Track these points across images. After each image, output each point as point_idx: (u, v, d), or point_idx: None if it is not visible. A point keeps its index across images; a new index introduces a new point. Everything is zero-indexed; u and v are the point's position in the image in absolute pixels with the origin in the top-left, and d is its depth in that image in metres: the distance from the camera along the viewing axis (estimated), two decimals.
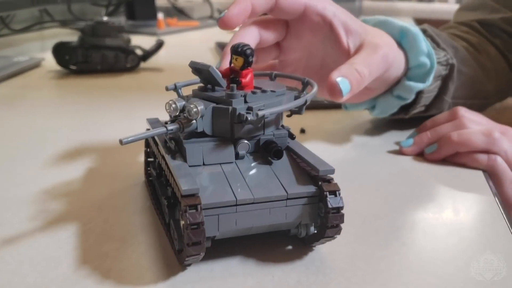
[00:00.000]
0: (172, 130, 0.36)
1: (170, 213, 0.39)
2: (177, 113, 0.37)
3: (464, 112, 0.58)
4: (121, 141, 0.33)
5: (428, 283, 0.35)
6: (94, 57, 0.94)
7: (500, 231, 0.43)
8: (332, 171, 0.36)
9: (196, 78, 0.44)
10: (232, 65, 0.40)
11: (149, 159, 0.50)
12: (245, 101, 0.37)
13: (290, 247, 0.39)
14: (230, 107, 0.37)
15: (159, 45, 0.99)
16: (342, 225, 0.36)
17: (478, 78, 0.73)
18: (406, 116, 0.65)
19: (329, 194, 0.35)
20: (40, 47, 1.31)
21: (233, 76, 0.40)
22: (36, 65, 1.00)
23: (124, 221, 0.43)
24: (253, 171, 0.37)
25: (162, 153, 0.40)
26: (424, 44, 0.57)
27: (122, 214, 0.44)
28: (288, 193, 0.35)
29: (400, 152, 0.59)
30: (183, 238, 0.35)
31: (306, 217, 0.36)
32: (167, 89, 0.42)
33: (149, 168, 0.50)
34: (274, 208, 0.35)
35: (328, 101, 0.75)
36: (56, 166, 0.53)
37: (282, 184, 0.36)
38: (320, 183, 0.36)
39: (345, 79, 0.46)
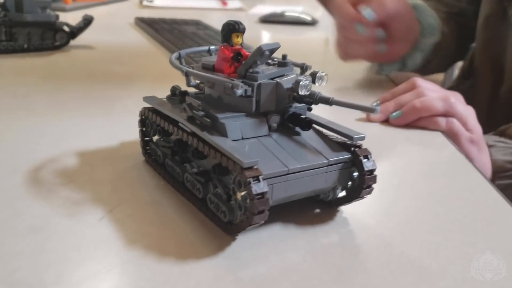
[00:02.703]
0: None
1: (204, 189, 0.40)
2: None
3: (421, 82, 0.66)
4: None
5: (446, 216, 0.41)
6: (20, 35, 0.88)
7: (469, 176, 0.50)
8: (363, 137, 0.40)
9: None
10: (233, 45, 0.41)
11: (145, 138, 0.50)
12: None
13: (318, 210, 0.43)
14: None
15: (89, 21, 0.95)
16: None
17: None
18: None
19: (363, 158, 0.39)
20: None
21: (236, 52, 0.42)
22: None
23: (147, 200, 0.43)
24: (289, 142, 0.39)
25: (192, 130, 0.40)
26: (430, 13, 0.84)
27: (141, 194, 0.44)
28: (329, 160, 0.38)
29: (367, 119, 0.64)
30: (234, 210, 0.37)
31: (340, 181, 0.40)
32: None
33: (148, 147, 0.50)
34: (317, 175, 0.38)
35: None
36: (35, 156, 0.51)
37: (320, 152, 0.39)
38: (353, 148, 0.39)
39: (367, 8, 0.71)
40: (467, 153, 0.61)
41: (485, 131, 0.67)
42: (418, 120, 0.63)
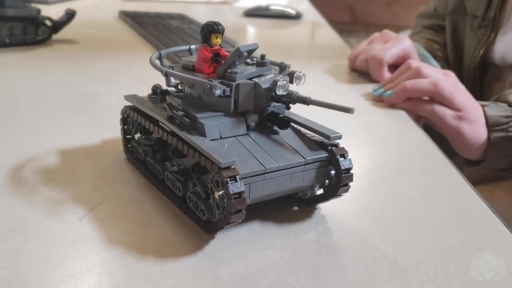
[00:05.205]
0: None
1: (183, 188, 0.41)
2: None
3: (416, 63, 0.72)
4: None
5: (421, 213, 0.42)
6: (1, 29, 0.87)
7: (445, 172, 0.51)
8: (340, 136, 0.40)
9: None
10: (212, 45, 0.42)
11: (127, 136, 0.50)
12: None
13: (296, 208, 0.43)
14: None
15: (71, 15, 0.94)
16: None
17: None
18: None
19: (340, 157, 0.40)
20: None
21: (215, 53, 0.42)
22: None
23: (128, 198, 0.43)
24: (267, 141, 0.40)
25: (171, 129, 0.41)
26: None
27: (122, 193, 0.44)
28: (306, 159, 0.39)
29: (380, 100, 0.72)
30: (213, 209, 0.38)
31: (317, 179, 0.41)
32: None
33: (129, 145, 0.50)
34: (294, 174, 0.39)
35: None
36: (17, 154, 0.51)
37: (297, 151, 0.40)
38: (330, 148, 0.40)
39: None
40: (457, 130, 0.64)
41: None
42: (407, 101, 0.68)
